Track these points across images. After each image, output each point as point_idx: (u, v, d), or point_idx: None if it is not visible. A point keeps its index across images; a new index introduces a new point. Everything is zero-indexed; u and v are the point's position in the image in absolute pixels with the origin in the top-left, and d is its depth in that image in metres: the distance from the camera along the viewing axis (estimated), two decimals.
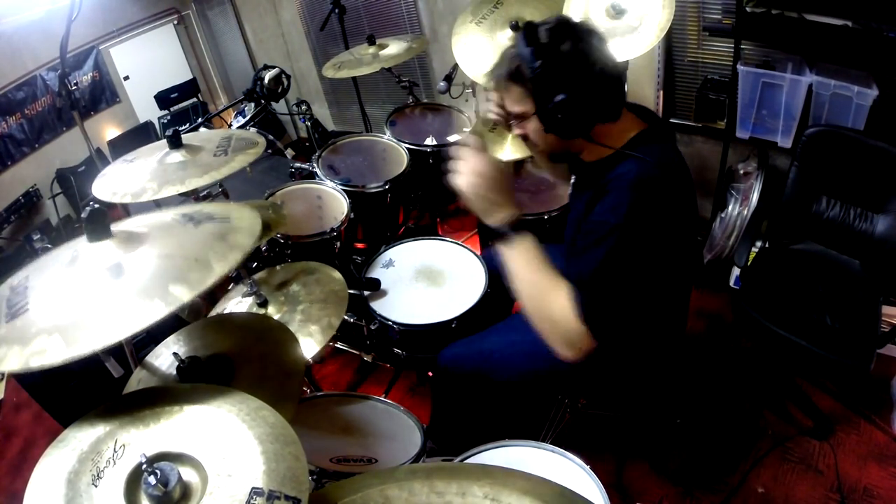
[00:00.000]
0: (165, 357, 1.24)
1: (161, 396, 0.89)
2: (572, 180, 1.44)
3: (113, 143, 3.62)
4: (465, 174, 1.18)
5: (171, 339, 1.29)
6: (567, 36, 1.10)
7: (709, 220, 2.41)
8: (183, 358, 1.13)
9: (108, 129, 3.70)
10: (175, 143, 1.49)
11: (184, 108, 3.95)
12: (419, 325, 1.68)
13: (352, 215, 2.07)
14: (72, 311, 0.84)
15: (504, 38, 2.09)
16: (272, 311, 1.55)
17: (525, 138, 1.25)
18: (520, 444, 1.31)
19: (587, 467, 1.24)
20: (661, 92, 2.42)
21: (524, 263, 1.18)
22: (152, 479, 0.73)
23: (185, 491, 0.76)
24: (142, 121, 3.83)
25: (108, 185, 1.40)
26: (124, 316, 0.82)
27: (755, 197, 2.22)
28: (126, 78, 3.77)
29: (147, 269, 0.90)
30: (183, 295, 0.84)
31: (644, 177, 1.11)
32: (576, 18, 1.16)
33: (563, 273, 1.16)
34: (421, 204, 2.66)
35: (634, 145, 1.17)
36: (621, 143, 1.18)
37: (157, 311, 0.82)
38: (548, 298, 1.14)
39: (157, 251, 0.94)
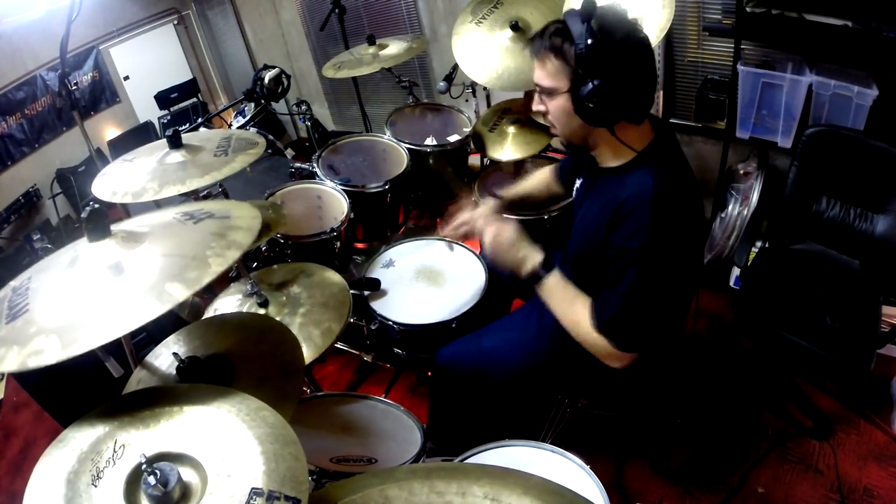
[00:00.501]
0: (165, 357, 1.24)
1: (161, 396, 0.89)
2: (577, 184, 1.44)
3: (113, 143, 3.62)
4: (490, 244, 1.35)
5: (170, 339, 1.29)
6: (621, 26, 1.09)
7: (709, 220, 2.41)
8: (183, 358, 1.13)
9: (108, 129, 3.70)
10: (175, 143, 1.49)
11: (184, 108, 3.94)
12: (419, 325, 1.68)
13: (352, 215, 2.07)
14: (70, 310, 0.84)
15: (504, 38, 2.09)
16: (272, 312, 1.55)
17: (544, 115, 1.23)
18: (520, 444, 1.31)
19: (587, 467, 1.24)
20: (661, 92, 2.42)
21: (557, 294, 1.29)
22: (152, 480, 0.73)
23: (185, 491, 0.76)
24: (142, 121, 3.83)
25: (108, 185, 1.40)
26: (120, 315, 0.82)
27: (755, 197, 2.22)
28: (126, 78, 3.77)
29: (145, 267, 0.90)
30: (179, 293, 0.84)
31: (660, 195, 1.12)
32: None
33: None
34: (421, 204, 2.66)
35: (649, 153, 1.18)
36: (640, 148, 1.18)
37: (153, 310, 0.82)
38: (577, 318, 1.25)
39: (156, 250, 0.94)
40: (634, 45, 1.10)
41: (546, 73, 1.16)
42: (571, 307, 1.27)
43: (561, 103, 1.16)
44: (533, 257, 1.31)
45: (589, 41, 1.06)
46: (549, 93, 1.18)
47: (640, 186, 1.14)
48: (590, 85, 1.08)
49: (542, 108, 1.22)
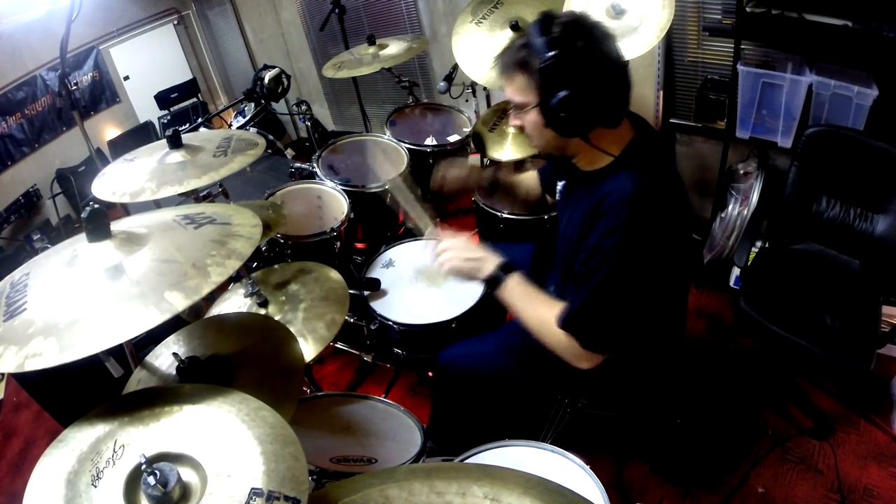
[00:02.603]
0: (165, 357, 1.24)
1: (161, 396, 0.88)
2: (559, 187, 1.43)
3: (113, 143, 3.63)
4: (446, 257, 1.33)
5: (170, 339, 1.29)
6: (583, 33, 1.08)
7: (709, 220, 2.41)
8: (183, 358, 1.13)
9: (108, 129, 3.70)
10: (175, 143, 1.49)
11: (184, 108, 3.95)
12: (419, 325, 1.68)
13: (352, 215, 2.07)
14: (68, 313, 0.84)
15: (504, 38, 2.09)
16: (272, 311, 1.55)
17: (521, 129, 1.24)
18: (520, 444, 1.31)
19: (587, 467, 1.23)
20: (661, 92, 2.42)
21: (518, 297, 1.30)
22: (152, 480, 0.73)
23: (185, 491, 0.76)
24: (142, 121, 3.84)
25: (108, 185, 1.40)
26: (118, 321, 0.82)
27: (755, 197, 2.22)
28: (126, 78, 3.77)
29: (145, 273, 0.90)
30: (179, 302, 0.84)
31: (639, 194, 1.11)
32: (594, 18, 1.15)
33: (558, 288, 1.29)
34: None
35: (629, 155, 1.17)
36: (618, 152, 1.18)
37: (152, 319, 0.82)
38: (542, 316, 1.25)
39: (156, 255, 0.94)
40: (598, 49, 1.09)
41: (515, 89, 1.16)
42: (536, 307, 1.27)
43: (533, 117, 1.16)
44: (489, 260, 1.31)
45: (549, 53, 1.05)
46: (521, 108, 1.18)
47: (619, 186, 1.13)
48: (557, 97, 1.07)
49: (518, 122, 1.23)
